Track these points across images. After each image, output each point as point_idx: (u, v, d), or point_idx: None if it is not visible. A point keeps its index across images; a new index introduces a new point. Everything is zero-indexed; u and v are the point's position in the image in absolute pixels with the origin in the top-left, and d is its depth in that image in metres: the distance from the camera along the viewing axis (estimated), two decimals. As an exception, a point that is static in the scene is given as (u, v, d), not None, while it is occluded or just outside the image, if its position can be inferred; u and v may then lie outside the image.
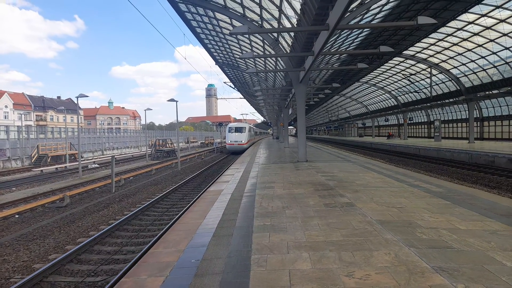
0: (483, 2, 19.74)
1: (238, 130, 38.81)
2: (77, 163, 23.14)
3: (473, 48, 27.14)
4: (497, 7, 20.18)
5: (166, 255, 4.67)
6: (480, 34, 24.39)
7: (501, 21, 21.77)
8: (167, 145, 42.10)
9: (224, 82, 45.00)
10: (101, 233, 8.49)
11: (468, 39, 25.83)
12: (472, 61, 29.15)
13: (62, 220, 10.57)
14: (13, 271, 6.70)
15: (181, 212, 10.18)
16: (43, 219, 10.78)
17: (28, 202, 13.16)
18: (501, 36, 23.71)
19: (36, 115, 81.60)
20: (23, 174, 23.63)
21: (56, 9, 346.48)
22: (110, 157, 17.52)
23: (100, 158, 36.91)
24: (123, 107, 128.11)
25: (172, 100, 25.08)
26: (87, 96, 20.99)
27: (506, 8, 20.29)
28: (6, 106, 73.64)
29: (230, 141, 37.93)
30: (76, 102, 21.81)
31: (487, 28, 23.14)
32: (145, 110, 35.53)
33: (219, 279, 3.73)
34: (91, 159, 34.77)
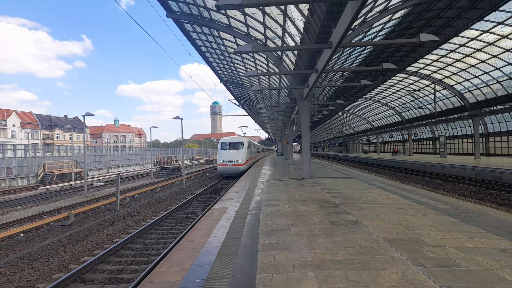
0: (484, 19, 19.94)
1: (234, 146, 29.41)
2: (83, 181, 23.22)
3: (476, 64, 27.24)
4: (499, 23, 20.35)
5: (171, 274, 4.63)
6: (482, 50, 24.52)
7: (504, 37, 21.90)
8: (172, 162, 42.19)
9: (229, 100, 43.80)
10: (105, 252, 8.45)
11: (471, 55, 25.96)
12: (476, 76, 29.22)
13: (67, 238, 10.55)
14: (17, 291, 6.66)
15: (186, 230, 10.12)
16: (48, 237, 10.77)
17: (33, 221, 13.17)
18: (504, 52, 23.81)
19: (43, 134, 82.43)
20: (29, 193, 23.72)
21: (65, 29, 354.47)
22: (116, 175, 17.57)
23: (105, 176, 37.02)
24: (129, 125, 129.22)
25: (177, 117, 25.29)
26: (94, 115, 21.25)
27: (508, 25, 20.45)
28: (14, 125, 74.57)
29: (223, 161, 28.24)
30: (82, 120, 22.05)
31: (490, 44, 23.28)
32: (150, 128, 35.82)
33: (224, 299, 3.69)
34: (96, 177, 34.88)
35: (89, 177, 34.09)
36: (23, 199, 20.26)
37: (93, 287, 6.70)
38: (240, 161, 27.97)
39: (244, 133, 47.66)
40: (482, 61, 26.34)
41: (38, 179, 31.85)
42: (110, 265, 8.02)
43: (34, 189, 25.47)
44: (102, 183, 28.69)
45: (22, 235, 11.09)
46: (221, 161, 28.32)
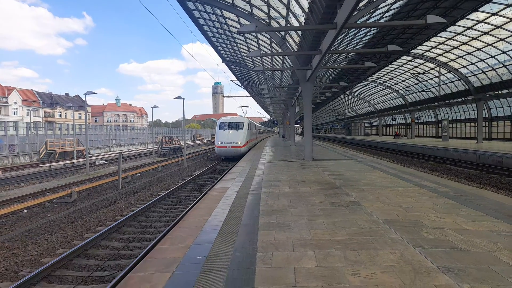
0: (493, 1, 19.51)
1: (233, 126, 27.65)
2: (85, 159, 23.35)
3: (483, 47, 26.83)
4: (508, 5, 19.91)
5: (173, 251, 4.71)
6: (490, 33, 24.10)
7: (512, 20, 21.50)
8: (174, 142, 42.28)
9: (231, 80, 42.87)
10: (108, 229, 8.58)
11: (478, 38, 25.54)
12: (482, 60, 28.83)
13: (70, 215, 10.69)
14: (22, 265, 6.80)
15: (187, 209, 10.23)
16: (51, 214, 10.92)
17: (36, 198, 13.32)
18: (512, 35, 23.42)
19: (44, 112, 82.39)
20: (31, 170, 23.91)
21: (65, 5, 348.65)
22: (117, 154, 17.65)
23: (107, 154, 37.22)
24: (130, 104, 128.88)
25: (179, 97, 25.17)
26: (95, 93, 21.19)
27: (517, 7, 20.03)
28: (15, 103, 74.49)
29: (221, 142, 26.61)
30: (84, 99, 21.99)
31: (497, 27, 22.86)
32: (152, 107, 35.73)
33: (225, 276, 3.76)
34: (98, 156, 35.07)
35: (91, 155, 34.29)
36: (26, 176, 20.44)
37: (96, 262, 6.84)
38: (239, 142, 26.34)
39: (245, 114, 45.90)
40: (489, 45, 25.93)
41: (40, 156, 32.05)
42: (112, 241, 8.15)
43: (36, 167, 25.66)
44: (104, 162, 28.86)
45: (25, 211, 11.25)
46: (219, 143, 26.64)
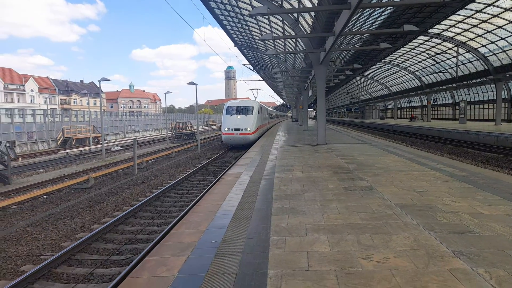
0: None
1: (242, 111, 25.12)
2: (101, 145, 23.76)
3: (504, 25, 25.83)
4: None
5: (188, 235, 4.80)
6: (511, 9, 23.17)
7: (535, -4, 20.60)
8: (187, 128, 42.54)
9: (243, 65, 42.49)
10: (124, 214, 8.78)
11: (499, 16, 24.58)
12: (502, 38, 27.80)
13: (88, 200, 10.96)
14: (43, 249, 7.04)
15: (202, 194, 10.36)
16: (70, 199, 11.21)
17: (55, 184, 13.67)
18: (534, 12, 22.47)
19: (60, 99, 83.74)
20: (49, 156, 24.48)
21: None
22: (132, 140, 17.89)
23: (122, 140, 37.76)
24: (144, 90, 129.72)
25: (191, 83, 25.18)
26: (109, 80, 21.35)
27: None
28: (32, 90, 75.85)
29: (228, 129, 24.06)
30: (98, 85, 22.23)
31: (519, 3, 21.97)
32: (165, 93, 35.87)
33: (239, 260, 3.82)
34: (114, 142, 35.62)
35: (106, 141, 34.85)
36: (44, 162, 20.95)
37: (114, 246, 7.03)
38: (249, 129, 23.64)
39: (256, 97, 43.73)
40: (510, 22, 24.96)
41: (58, 143, 32.73)
42: (129, 226, 8.34)
43: (54, 153, 26.25)
44: (119, 148, 29.32)
45: (45, 196, 11.57)
46: (226, 129, 24.01)
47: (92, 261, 6.37)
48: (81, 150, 26.61)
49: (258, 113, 25.91)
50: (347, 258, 3.70)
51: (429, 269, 3.38)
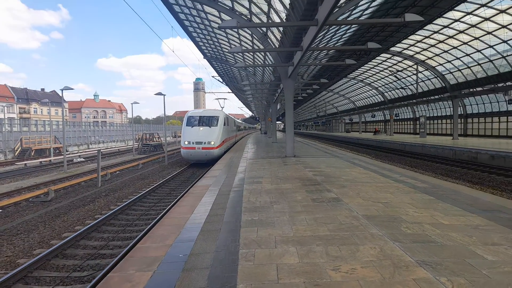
0: (468, 0, 20.05)
1: (205, 121, 21.95)
2: (62, 156, 22.76)
3: (459, 46, 27.57)
4: (482, 5, 20.51)
5: (154, 250, 4.66)
6: (465, 32, 24.79)
7: (486, 19, 22.16)
8: (154, 139, 41.73)
9: (213, 76, 42.35)
10: (87, 228, 8.40)
11: (454, 37, 26.23)
12: (457, 58, 29.64)
13: (47, 214, 10.42)
14: (-4, 267, 6.59)
15: (169, 206, 10.14)
16: (28, 213, 10.61)
17: (11, 197, 12.91)
18: (486, 34, 24.13)
19: (19, 108, 79.79)
20: (6, 168, 23.14)
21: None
22: (96, 151, 17.29)
23: (85, 152, 36.38)
24: (109, 100, 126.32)
25: (159, 93, 24.83)
26: (72, 89, 20.64)
27: (491, 7, 20.65)
28: (-13, 98, 71.76)
29: (188, 143, 20.67)
30: (60, 94, 21.40)
31: (472, 26, 23.53)
32: (131, 103, 35.09)
33: (207, 274, 3.74)
34: (76, 153, 34.24)
35: (68, 152, 33.43)
36: (0, 174, 19.76)
37: (75, 262, 6.69)
38: (213, 142, 20.59)
39: (222, 107, 40.75)
40: (464, 43, 26.67)
41: (16, 154, 31.05)
42: (92, 241, 7.99)
43: (11, 164, 24.85)
44: (82, 159, 28.22)
45: (0, 211, 10.88)
46: (185, 143, 20.48)
47: (51, 278, 6.03)
48: (40, 162, 25.35)
49: (224, 124, 23.04)
50: (316, 270, 3.72)
51: (395, 279, 3.47)
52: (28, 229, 8.97)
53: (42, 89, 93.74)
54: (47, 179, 17.21)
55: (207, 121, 21.84)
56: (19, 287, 5.69)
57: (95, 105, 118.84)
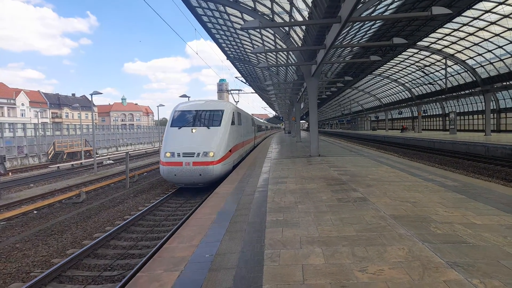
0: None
1: (202, 119, 14.13)
2: (92, 159, 23.53)
3: (490, 38, 26.48)
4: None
5: (181, 250, 4.73)
6: (497, 23, 23.77)
7: (519, 9, 21.18)
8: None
9: (236, 77, 42.05)
10: (116, 228, 8.66)
11: (485, 29, 25.20)
12: (489, 51, 28.46)
13: (79, 215, 10.80)
14: (33, 266, 6.89)
15: (195, 207, 10.28)
16: (61, 214, 11.04)
17: (45, 198, 13.47)
18: (519, 25, 23.06)
19: (51, 112, 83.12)
20: (40, 171, 24.16)
21: (69, 5, 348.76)
22: (124, 153, 17.76)
23: (114, 154, 37.46)
24: (136, 103, 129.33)
25: (184, 95, 25.27)
26: (101, 93, 21.32)
27: (524, -4, 19.72)
28: (22, 104, 75.18)
29: (171, 155, 12.61)
30: (90, 99, 22.13)
31: (505, 16, 22.53)
32: (157, 106, 35.88)
33: (233, 274, 3.77)
34: (105, 155, 35.33)
35: (98, 155, 34.54)
36: (35, 177, 20.66)
37: (105, 262, 6.90)
38: (212, 153, 12.54)
39: (237, 101, 33.70)
40: (496, 35, 25.59)
41: (49, 157, 32.37)
42: (121, 241, 8.22)
43: (45, 168, 25.92)
44: (111, 161, 29.07)
45: (35, 212, 11.38)
46: (167, 155, 12.63)
47: (83, 277, 6.24)
48: (72, 164, 26.31)
49: (233, 123, 14.92)
50: (342, 271, 3.68)
51: (424, 280, 3.37)
52: (62, 229, 9.33)
53: (73, 94, 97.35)
54: (79, 181, 17.84)
55: (205, 118, 14.14)
56: (53, 285, 5.92)
57: (122, 108, 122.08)
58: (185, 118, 14.01)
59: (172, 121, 13.98)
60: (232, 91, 36.97)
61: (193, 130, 13.30)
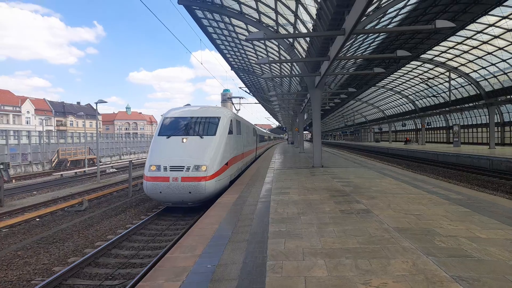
0: (504, 4, 19.31)
1: (194, 127, 12.27)
2: (96, 167, 23.59)
3: (494, 51, 26.54)
4: (519, 9, 19.71)
5: (183, 260, 4.71)
6: (500, 36, 23.84)
7: (523, 23, 21.26)
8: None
9: (240, 87, 42.37)
10: (118, 237, 8.62)
11: (488, 42, 25.28)
12: (493, 64, 28.50)
13: (81, 223, 10.78)
14: (34, 274, 6.86)
15: (198, 217, 10.24)
16: (63, 222, 11.02)
17: (48, 206, 13.48)
18: (523, 39, 23.13)
19: (56, 120, 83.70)
20: (44, 178, 24.22)
21: (77, 15, 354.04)
22: (128, 162, 17.79)
23: (118, 162, 37.53)
24: (140, 112, 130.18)
25: (188, 105, 25.33)
26: (106, 102, 21.49)
27: (528, 10, 19.80)
28: (28, 112, 75.83)
29: (157, 169, 10.74)
30: (95, 107, 22.30)
31: (508, 30, 22.61)
32: (161, 115, 35.97)
33: (235, 285, 3.74)
34: (109, 164, 35.39)
35: (101, 163, 34.60)
36: (38, 184, 20.71)
37: (107, 271, 6.86)
38: (204, 167, 10.71)
39: (238, 110, 31.80)
40: (500, 48, 25.65)
41: (53, 165, 32.49)
42: (123, 250, 8.18)
43: (48, 175, 26.00)
44: (114, 170, 29.12)
45: (37, 219, 11.37)
46: (152, 168, 10.91)
47: (84, 286, 6.20)
48: (75, 172, 26.37)
49: (230, 132, 12.99)
50: (345, 284, 3.64)
51: (429, 294, 3.33)
52: (63, 237, 9.30)
53: (78, 103, 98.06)
54: (82, 189, 17.86)
55: (199, 126, 12.44)
56: (54, 294, 5.88)
57: (127, 117, 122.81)
58: (176, 126, 12.32)
59: (160, 129, 12.29)
60: (233, 98, 34.85)
61: (184, 140, 11.55)
